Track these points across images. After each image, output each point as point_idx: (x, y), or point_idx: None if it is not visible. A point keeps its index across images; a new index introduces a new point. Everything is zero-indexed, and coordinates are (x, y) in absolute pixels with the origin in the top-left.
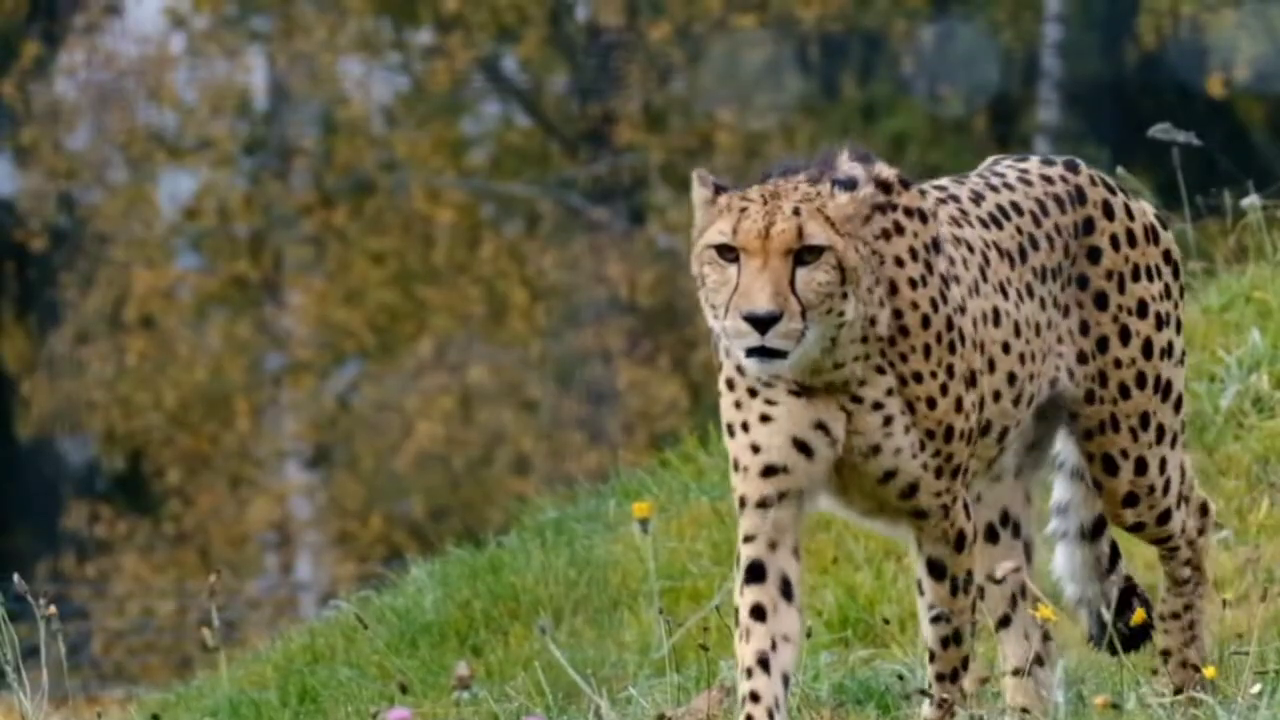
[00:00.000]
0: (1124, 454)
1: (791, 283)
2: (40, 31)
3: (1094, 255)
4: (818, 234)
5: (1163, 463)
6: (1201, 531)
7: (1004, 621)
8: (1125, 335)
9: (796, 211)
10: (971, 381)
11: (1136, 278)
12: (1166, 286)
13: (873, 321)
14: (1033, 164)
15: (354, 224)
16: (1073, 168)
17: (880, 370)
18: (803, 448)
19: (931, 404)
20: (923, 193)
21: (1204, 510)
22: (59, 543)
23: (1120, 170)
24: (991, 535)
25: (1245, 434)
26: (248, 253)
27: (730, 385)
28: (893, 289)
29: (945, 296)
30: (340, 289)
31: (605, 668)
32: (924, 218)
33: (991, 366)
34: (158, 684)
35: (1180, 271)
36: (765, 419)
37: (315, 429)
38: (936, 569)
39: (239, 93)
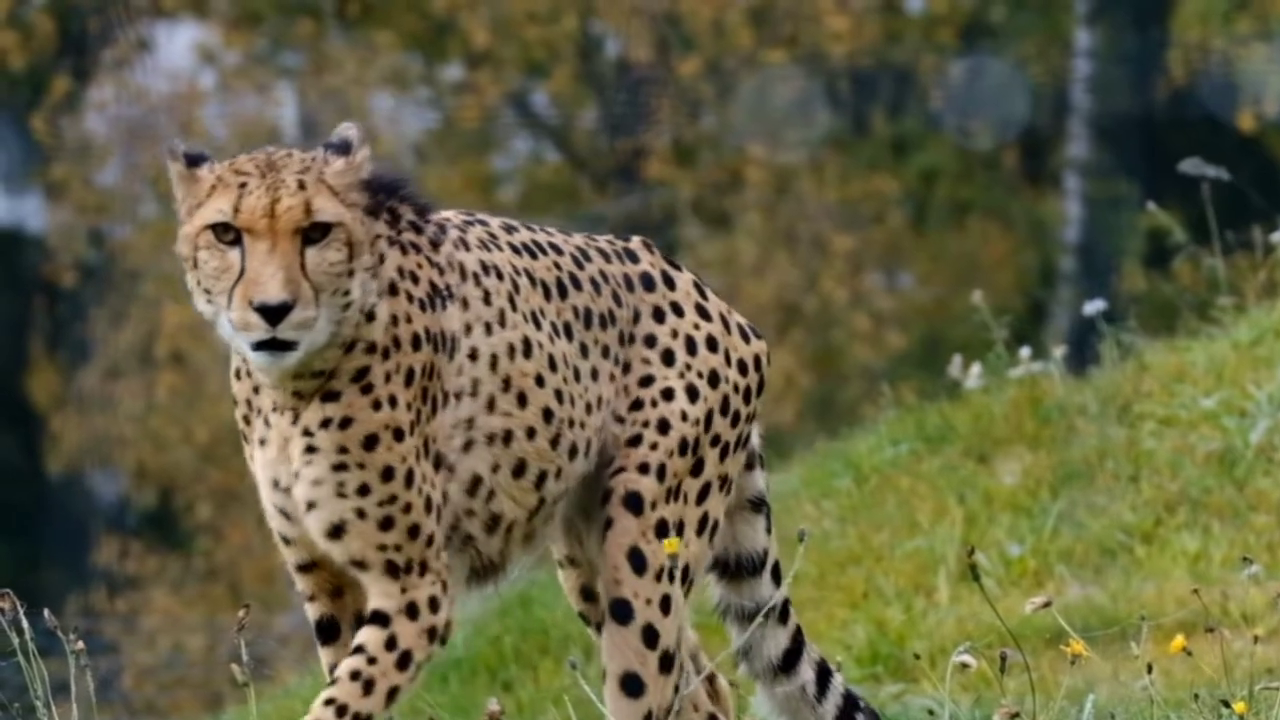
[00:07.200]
0: (654, 505)
1: (302, 265)
2: (70, 67)
3: (659, 315)
4: (326, 208)
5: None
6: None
7: None
8: (693, 394)
9: (302, 185)
10: (426, 453)
11: (713, 348)
12: (748, 389)
13: (370, 316)
14: (577, 236)
15: None
16: (625, 240)
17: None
18: (282, 494)
19: (399, 437)
20: (441, 227)
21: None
22: (89, 578)
23: (1151, 205)
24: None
25: (1275, 469)
26: None
27: (244, 435)
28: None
29: (442, 338)
30: None
31: None
32: (434, 244)
33: (523, 401)
34: (188, 719)
35: (763, 389)
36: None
37: None
38: (380, 619)
39: (269, 128)
